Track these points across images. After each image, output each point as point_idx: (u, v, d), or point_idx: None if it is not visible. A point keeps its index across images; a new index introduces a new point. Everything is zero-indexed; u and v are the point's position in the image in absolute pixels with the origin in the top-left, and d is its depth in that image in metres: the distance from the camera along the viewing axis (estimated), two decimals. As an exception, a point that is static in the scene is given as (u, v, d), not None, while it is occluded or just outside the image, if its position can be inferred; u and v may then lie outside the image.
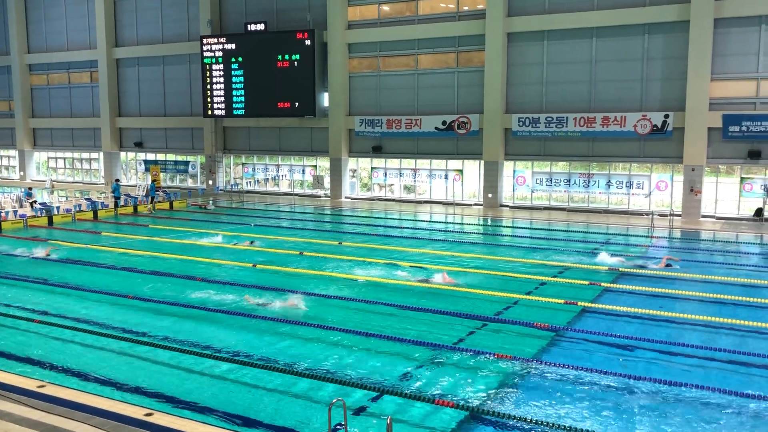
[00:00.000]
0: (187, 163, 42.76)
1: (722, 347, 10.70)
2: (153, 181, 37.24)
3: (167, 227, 25.56)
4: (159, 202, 32.74)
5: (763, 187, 27.05)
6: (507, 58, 31.13)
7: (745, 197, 27.71)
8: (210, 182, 40.85)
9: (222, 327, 12.07)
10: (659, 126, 27.90)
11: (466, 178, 33.63)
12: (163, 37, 41.52)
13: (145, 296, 14.10)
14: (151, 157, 44.00)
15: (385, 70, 34.54)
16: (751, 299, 13.93)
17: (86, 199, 31.56)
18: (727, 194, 28.15)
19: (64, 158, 48.39)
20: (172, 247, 20.70)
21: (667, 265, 17.42)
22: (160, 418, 7.89)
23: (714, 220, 27.65)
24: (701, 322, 12.35)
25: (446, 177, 33.96)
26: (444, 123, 32.53)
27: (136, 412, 8.04)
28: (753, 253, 20.61)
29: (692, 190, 27.69)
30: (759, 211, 27.07)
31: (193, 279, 15.85)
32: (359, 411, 8.30)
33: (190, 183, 43.00)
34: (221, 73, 37.77)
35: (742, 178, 27.75)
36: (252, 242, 21.29)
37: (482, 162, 32.15)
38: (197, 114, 40.33)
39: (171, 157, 43.37)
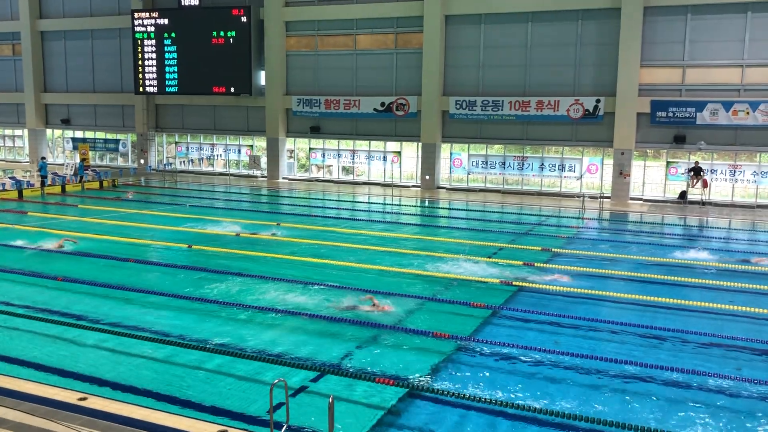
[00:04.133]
0: (117, 141, 41.44)
1: (643, 324, 11.19)
2: (82, 159, 35.96)
3: (97, 207, 24.78)
4: (88, 181, 31.68)
5: (686, 170, 28.22)
6: (445, 41, 31.33)
7: (670, 180, 28.88)
8: (142, 161, 39.74)
9: (156, 309, 11.83)
10: (591, 110, 28.69)
11: (404, 160, 33.83)
12: (91, 10, 39.91)
13: (76, 278, 13.65)
14: (79, 134, 42.42)
15: (324, 50, 34.23)
16: (678, 278, 14.59)
17: (10, 177, 30.25)
18: (654, 177, 29.30)
19: (-15, 135, 46.14)
20: (102, 228, 20.09)
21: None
22: (95, 402, 7.70)
23: (642, 202, 28.73)
24: (626, 300, 12.87)
25: (384, 158, 34.06)
26: (383, 104, 32.55)
27: (70, 397, 7.83)
28: (678, 235, 21.52)
29: (621, 173, 28.66)
30: (683, 194, 28.26)
31: (126, 260, 15.45)
32: (300, 391, 8.32)
33: (120, 162, 41.73)
34: (153, 49, 36.64)
35: (668, 162, 28.90)
36: (274, 233, 19.51)
37: (420, 144, 32.38)
38: (128, 91, 39.06)
39: (101, 135, 41.93)
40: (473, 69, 31.15)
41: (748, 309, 12.07)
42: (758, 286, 13.82)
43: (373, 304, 11.70)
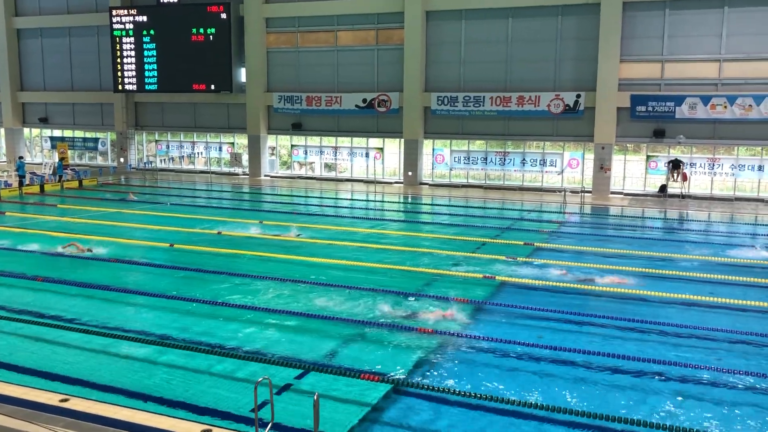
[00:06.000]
0: (96, 140, 41.00)
1: (632, 317, 11.29)
2: (60, 159, 35.55)
3: (77, 206, 24.52)
4: (67, 180, 31.34)
5: (666, 164, 28.49)
6: (426, 37, 31.34)
7: (650, 174, 29.15)
8: (122, 160, 39.38)
9: (137, 308, 11.74)
10: (571, 105, 28.86)
11: (386, 156, 33.82)
12: (68, 7, 39.41)
13: (55, 278, 13.50)
14: (57, 133, 41.91)
15: (304, 46, 34.09)
16: (658, 271, 14.73)
17: (-13, 177, 29.86)
18: (635, 171, 29.56)
19: (-39, 134, 45.40)
20: (82, 227, 19.88)
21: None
22: (77, 404, 7.62)
23: (622, 196, 28.98)
24: (610, 293, 12.97)
25: (367, 155, 34.02)
26: (364, 101, 32.51)
27: (51, 398, 7.74)
28: (657, 228, 21.72)
29: (602, 167, 28.87)
30: (663, 188, 28.53)
31: (107, 260, 15.31)
32: (285, 389, 8.29)
33: (100, 161, 41.31)
34: (132, 46, 36.29)
35: (647, 156, 29.15)
36: (298, 234, 18.91)
37: (402, 140, 32.39)
38: (107, 89, 38.65)
39: (79, 133, 41.46)
40: (454, 65, 31.19)
41: (728, 300, 12.22)
42: (736, 278, 13.99)
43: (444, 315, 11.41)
